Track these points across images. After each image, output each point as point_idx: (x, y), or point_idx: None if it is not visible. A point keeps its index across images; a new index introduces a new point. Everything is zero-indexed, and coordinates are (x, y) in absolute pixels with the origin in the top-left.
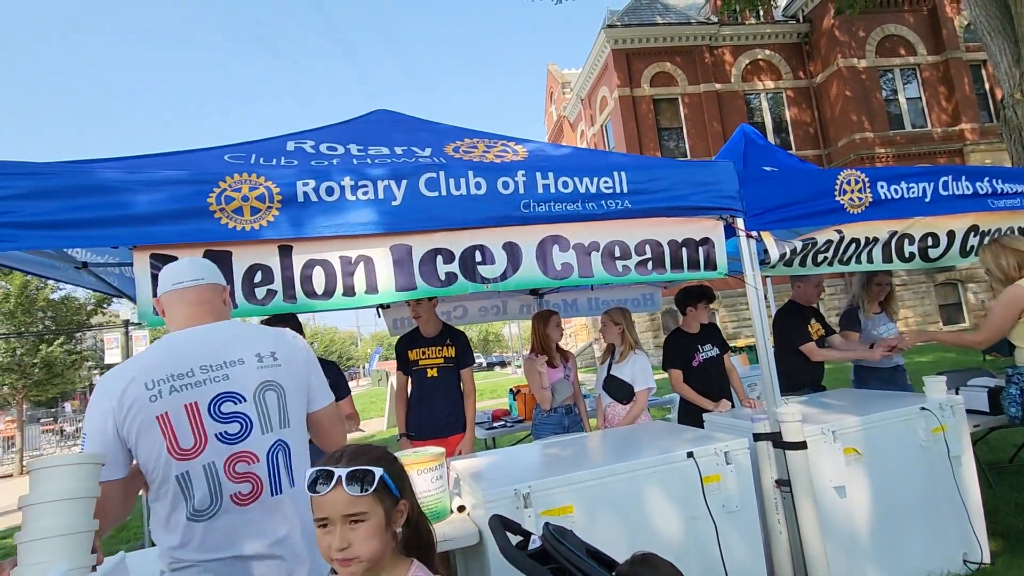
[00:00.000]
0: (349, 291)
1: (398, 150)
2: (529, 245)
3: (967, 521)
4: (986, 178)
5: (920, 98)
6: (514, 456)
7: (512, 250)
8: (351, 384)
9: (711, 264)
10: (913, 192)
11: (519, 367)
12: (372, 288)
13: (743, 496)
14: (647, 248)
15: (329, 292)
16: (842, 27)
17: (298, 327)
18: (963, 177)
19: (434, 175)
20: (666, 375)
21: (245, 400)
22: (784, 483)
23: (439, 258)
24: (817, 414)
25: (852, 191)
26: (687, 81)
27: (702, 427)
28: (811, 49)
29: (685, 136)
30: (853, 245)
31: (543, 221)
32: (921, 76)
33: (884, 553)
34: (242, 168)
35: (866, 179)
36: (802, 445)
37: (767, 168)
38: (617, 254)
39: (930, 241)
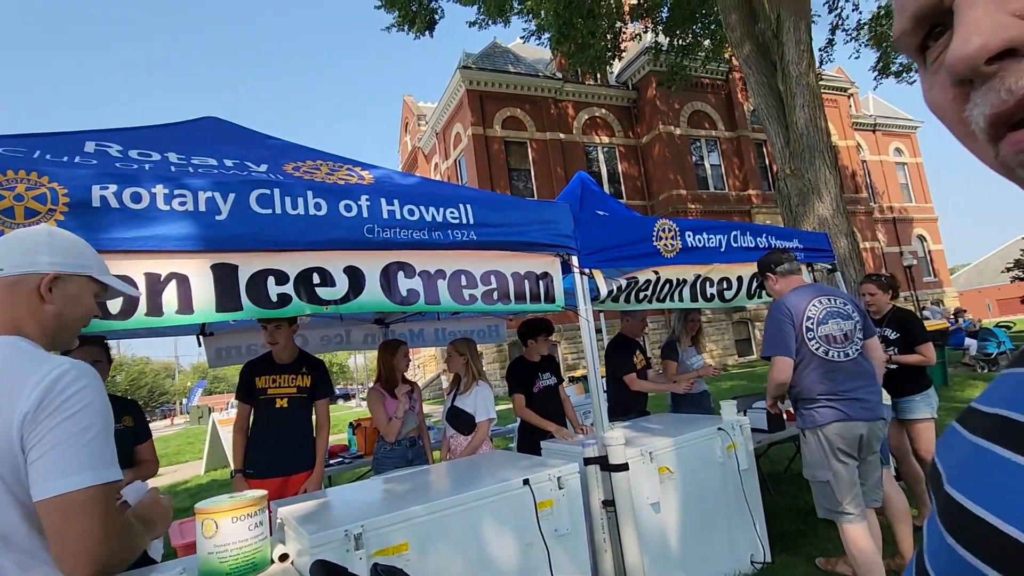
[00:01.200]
0: (155, 311)
1: (228, 163)
2: (373, 270)
3: (753, 526)
4: (764, 234)
5: (720, 165)
6: (347, 495)
7: (354, 274)
8: (164, 423)
9: (550, 297)
10: (712, 242)
11: (364, 399)
12: (186, 307)
13: (574, 519)
14: (492, 279)
15: (127, 311)
16: (662, 99)
17: (105, 352)
18: (748, 232)
19: (267, 191)
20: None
21: None
22: (609, 503)
23: (271, 279)
24: (638, 437)
25: (666, 238)
26: (535, 128)
27: (540, 454)
28: (639, 113)
29: (533, 178)
30: (667, 285)
31: (388, 247)
32: (721, 147)
33: (691, 560)
34: (20, 164)
35: (677, 228)
36: (624, 467)
37: (600, 212)
38: (463, 283)
39: (725, 284)
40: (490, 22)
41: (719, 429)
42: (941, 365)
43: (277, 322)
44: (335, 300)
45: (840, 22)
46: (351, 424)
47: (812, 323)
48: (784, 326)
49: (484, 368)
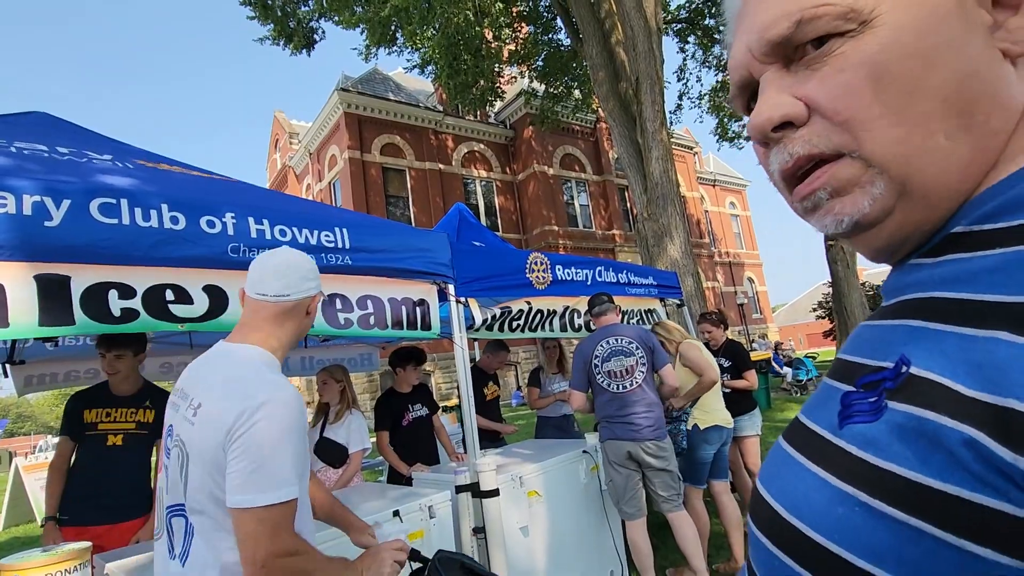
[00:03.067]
0: None
1: (63, 149)
2: (238, 291)
3: (612, 543)
4: (624, 271)
5: (588, 206)
6: None
7: (216, 293)
8: None
9: (426, 325)
10: (579, 276)
11: None
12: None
13: (445, 547)
14: (368, 303)
15: None
16: (536, 139)
17: None
18: (610, 268)
19: (113, 201)
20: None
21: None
22: (480, 530)
23: (113, 292)
24: (508, 463)
25: (538, 270)
26: (414, 157)
27: (411, 484)
28: (515, 151)
29: (411, 205)
30: (539, 315)
31: None
32: (589, 189)
33: None
34: None
35: (548, 262)
36: (495, 493)
37: (476, 243)
38: (339, 307)
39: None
40: (375, 51)
41: (583, 452)
42: (765, 390)
43: (119, 350)
44: (193, 318)
45: (686, 90)
46: None
47: (599, 360)
48: (577, 364)
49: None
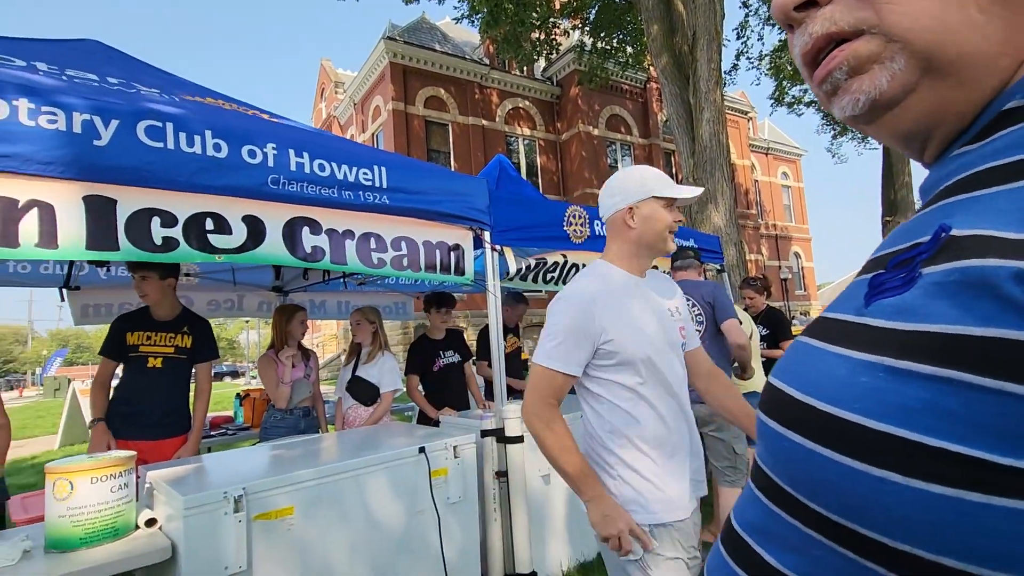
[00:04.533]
0: (8, 240)
1: (113, 80)
2: (275, 222)
3: None
4: None
5: None
6: (228, 459)
7: (254, 224)
8: (11, 395)
9: (460, 270)
10: None
11: (254, 378)
12: (48, 240)
13: (467, 488)
14: (403, 245)
15: None
16: (583, 98)
17: None
18: None
19: (159, 124)
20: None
21: None
22: (502, 474)
23: (156, 220)
24: None
25: (576, 224)
26: (458, 111)
27: (438, 427)
28: (560, 109)
29: (452, 161)
30: (574, 269)
31: (294, 201)
32: (634, 152)
33: (574, 530)
34: None
35: (587, 216)
36: (519, 439)
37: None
38: (373, 246)
39: None
40: None
41: None
42: None
43: (144, 271)
44: (230, 249)
45: (745, 50)
46: (238, 395)
47: None
48: None
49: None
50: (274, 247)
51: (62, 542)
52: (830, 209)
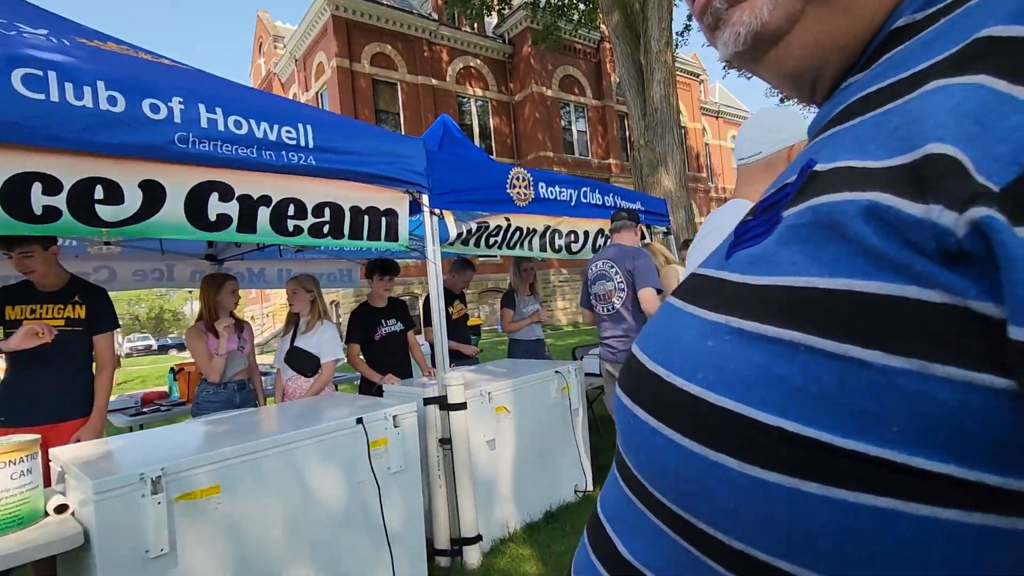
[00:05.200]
0: None
1: None
2: (178, 188)
3: (579, 459)
4: (611, 194)
5: (586, 132)
6: (149, 438)
7: (153, 191)
8: None
9: (393, 235)
10: (563, 196)
11: None
12: None
13: (408, 457)
14: (326, 211)
15: None
16: (536, 57)
17: None
18: (596, 190)
19: (39, 72)
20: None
21: None
22: (446, 441)
23: (37, 186)
24: (478, 380)
25: (520, 186)
26: (406, 69)
27: (381, 395)
28: (513, 69)
29: (402, 123)
30: (517, 233)
31: (203, 162)
32: (588, 114)
33: (521, 492)
34: None
35: (530, 178)
36: (463, 406)
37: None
38: (291, 212)
39: (573, 237)
40: None
41: (556, 372)
42: None
43: (25, 247)
44: (119, 221)
45: None
46: (172, 369)
47: (590, 284)
48: (584, 284)
49: (340, 319)
50: (171, 216)
51: None
52: None
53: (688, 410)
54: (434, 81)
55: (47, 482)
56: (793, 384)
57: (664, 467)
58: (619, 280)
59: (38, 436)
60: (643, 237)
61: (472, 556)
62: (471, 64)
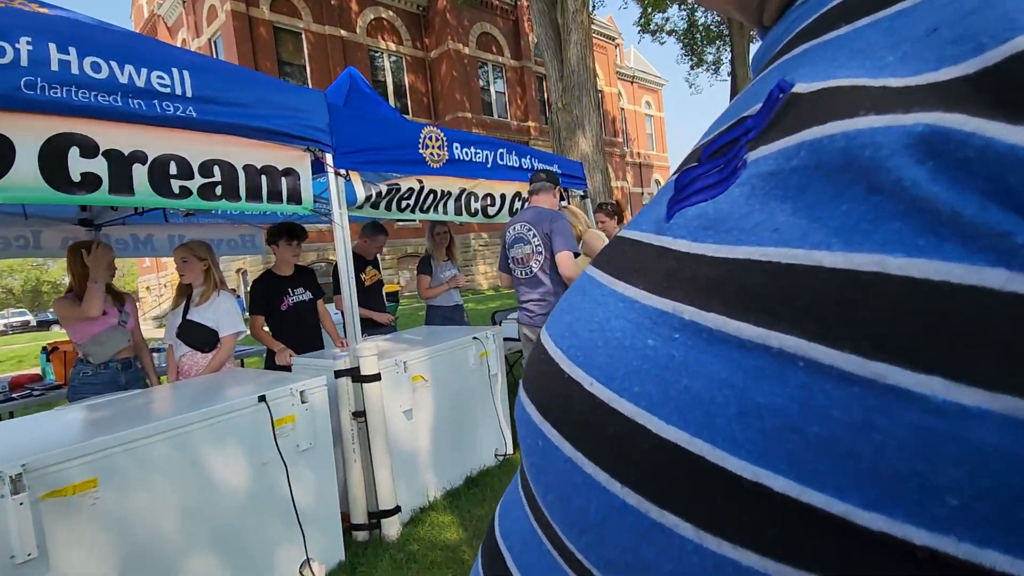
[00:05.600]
0: None
1: None
2: (30, 142)
3: (498, 424)
4: (527, 156)
5: (504, 93)
6: (11, 429)
7: None
8: None
9: (295, 197)
10: (479, 157)
11: None
12: None
13: (317, 434)
14: (215, 170)
15: None
16: (452, 12)
17: None
18: (513, 152)
19: None
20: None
21: None
22: (360, 415)
23: None
24: (393, 349)
25: (433, 147)
26: (312, 18)
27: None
28: (428, 23)
29: (309, 78)
30: (431, 196)
31: (58, 111)
32: (506, 75)
33: (441, 460)
34: None
35: (444, 138)
36: (377, 377)
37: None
38: (173, 171)
39: (489, 200)
40: None
41: (474, 338)
42: None
43: None
44: None
45: None
46: (44, 348)
47: (507, 247)
48: (502, 247)
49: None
50: (25, 178)
51: None
52: (690, 136)
53: (620, 440)
54: (343, 32)
55: None
56: (782, 419)
57: (584, 515)
58: (537, 243)
59: None
60: (562, 199)
61: (391, 528)
62: (383, 16)
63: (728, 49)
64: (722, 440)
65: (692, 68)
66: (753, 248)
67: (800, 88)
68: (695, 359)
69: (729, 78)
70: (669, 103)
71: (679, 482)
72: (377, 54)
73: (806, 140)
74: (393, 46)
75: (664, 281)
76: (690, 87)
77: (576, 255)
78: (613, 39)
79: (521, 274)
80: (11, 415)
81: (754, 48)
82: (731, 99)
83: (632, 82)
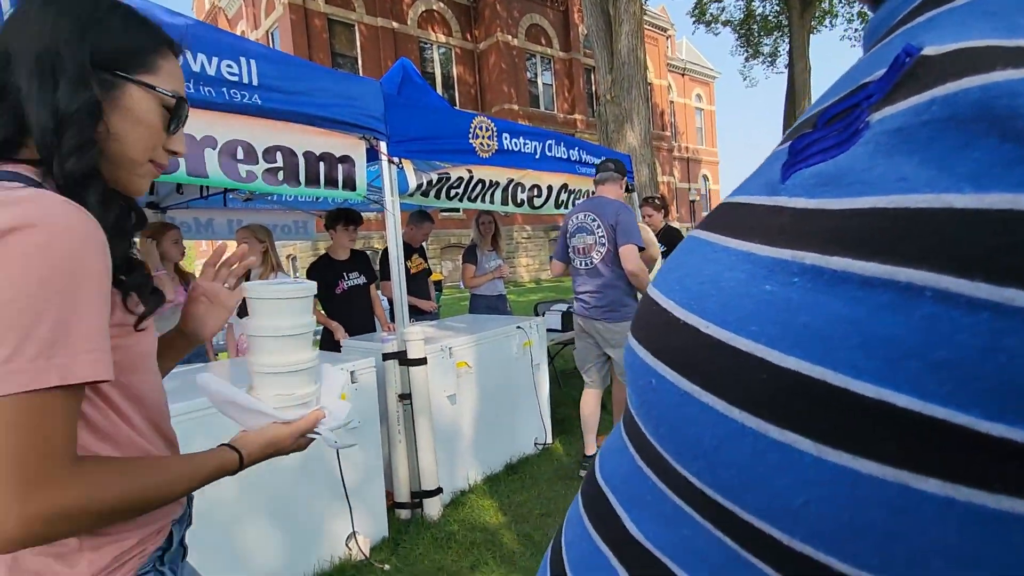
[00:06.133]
0: None
1: None
2: None
3: (539, 413)
4: (575, 148)
5: (552, 86)
6: None
7: None
8: None
9: (350, 184)
10: (527, 148)
11: None
12: None
13: (366, 413)
14: (278, 156)
15: None
16: (502, 3)
17: None
18: (561, 143)
19: None
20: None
21: None
22: (406, 396)
23: None
24: (439, 335)
25: (483, 136)
26: (364, 10)
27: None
28: (478, 15)
29: (360, 69)
30: (480, 185)
31: None
32: (554, 67)
33: (481, 445)
34: None
35: (494, 128)
36: (423, 361)
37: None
38: (240, 156)
39: (536, 191)
40: None
41: (518, 327)
42: None
43: None
44: None
45: None
46: None
47: (569, 236)
48: (562, 235)
49: (297, 274)
50: None
51: None
52: (740, 131)
53: (738, 372)
54: (395, 24)
55: None
56: (905, 346)
57: (697, 441)
58: (600, 234)
59: None
60: (627, 191)
61: (432, 508)
62: (434, 7)
63: (786, 40)
64: (844, 367)
65: (747, 60)
66: (878, 197)
67: (930, 51)
68: (814, 299)
69: (786, 70)
70: (722, 96)
71: (800, 404)
72: (427, 46)
73: (938, 95)
74: (443, 37)
75: (780, 234)
76: (744, 80)
77: (641, 249)
78: (665, 30)
79: (581, 264)
80: None
81: (815, 39)
82: (787, 92)
83: (683, 74)
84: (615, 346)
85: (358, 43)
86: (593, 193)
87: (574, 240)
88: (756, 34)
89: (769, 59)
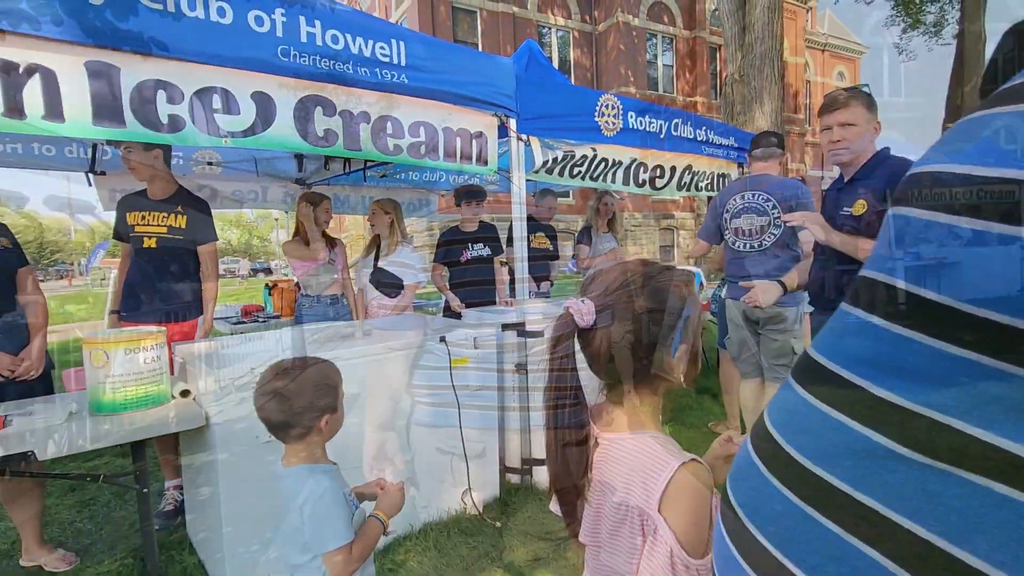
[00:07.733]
0: (14, 111)
1: None
2: (286, 101)
3: None
4: (703, 127)
5: (672, 66)
6: (260, 339)
7: (263, 103)
8: (61, 283)
9: (483, 159)
10: (653, 126)
11: (287, 275)
12: (54, 112)
13: (485, 378)
14: (421, 131)
15: None
16: None
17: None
18: (688, 122)
19: None
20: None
21: None
22: (522, 367)
23: (162, 94)
24: (556, 310)
25: (608, 115)
26: None
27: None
28: None
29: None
30: (603, 164)
31: (304, 76)
32: (676, 47)
33: None
34: None
35: (620, 106)
36: (540, 334)
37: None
38: (389, 131)
39: (658, 172)
40: None
41: None
42: None
43: (128, 143)
44: (238, 132)
45: None
46: (267, 285)
47: (728, 216)
48: (711, 213)
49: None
50: (284, 130)
51: (104, 406)
52: (889, 112)
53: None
54: (515, 9)
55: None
56: None
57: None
58: (776, 215)
59: (163, 328)
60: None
61: (541, 475)
62: None
63: (957, 7)
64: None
65: (905, 31)
66: None
67: None
68: None
69: (955, 40)
70: (868, 73)
71: None
72: (545, 30)
73: None
74: (562, 20)
75: None
76: (900, 52)
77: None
78: (805, 2)
79: (745, 247)
80: (242, 334)
81: (991, 3)
82: (954, 68)
83: (823, 50)
84: (779, 332)
85: (479, 29)
86: (746, 170)
87: (738, 220)
88: (918, 2)
89: (933, 29)
